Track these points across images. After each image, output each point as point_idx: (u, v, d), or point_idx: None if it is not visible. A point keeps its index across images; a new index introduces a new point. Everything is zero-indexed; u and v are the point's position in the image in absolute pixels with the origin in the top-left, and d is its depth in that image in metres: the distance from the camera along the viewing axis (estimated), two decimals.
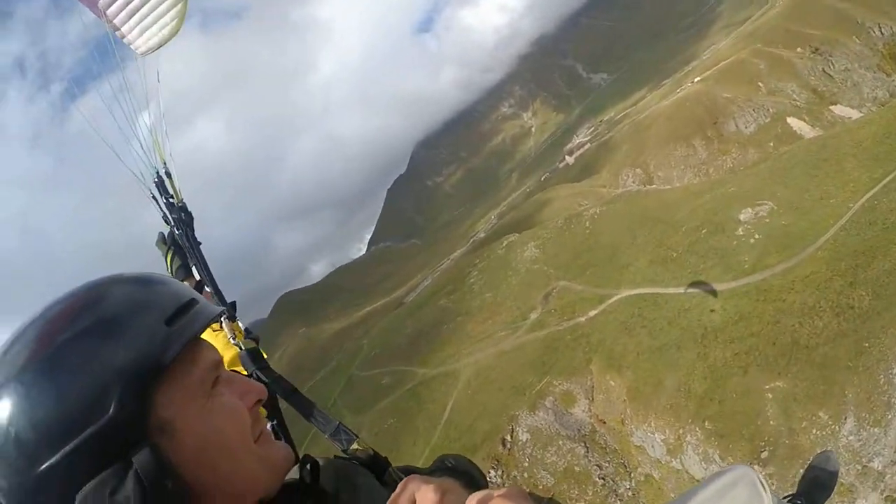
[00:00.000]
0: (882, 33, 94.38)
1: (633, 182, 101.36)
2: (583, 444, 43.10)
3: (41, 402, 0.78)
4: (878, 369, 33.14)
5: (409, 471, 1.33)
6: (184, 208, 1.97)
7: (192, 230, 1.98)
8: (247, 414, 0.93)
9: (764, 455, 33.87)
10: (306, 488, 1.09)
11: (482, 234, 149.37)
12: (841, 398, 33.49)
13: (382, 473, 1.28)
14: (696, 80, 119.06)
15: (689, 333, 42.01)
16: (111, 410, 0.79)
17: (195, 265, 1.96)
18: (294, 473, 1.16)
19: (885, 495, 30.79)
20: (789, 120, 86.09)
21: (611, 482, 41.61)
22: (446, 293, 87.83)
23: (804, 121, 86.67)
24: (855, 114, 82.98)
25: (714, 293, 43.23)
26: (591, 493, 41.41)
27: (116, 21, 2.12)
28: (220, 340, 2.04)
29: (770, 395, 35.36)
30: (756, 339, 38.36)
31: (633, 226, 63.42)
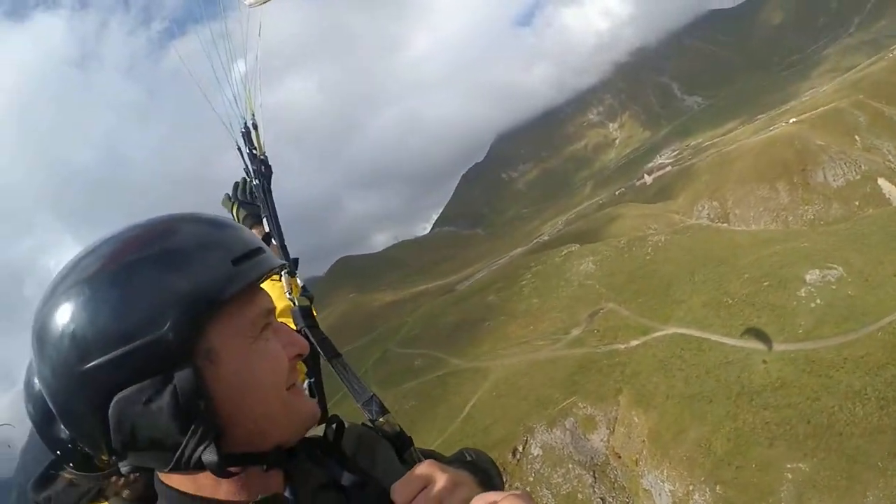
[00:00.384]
0: None
1: (708, 214, 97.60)
2: (592, 474, 41.90)
3: (103, 307, 0.85)
4: None
5: (430, 455, 1.34)
6: (265, 161, 2.00)
7: (269, 183, 1.99)
8: (285, 363, 0.96)
9: None
10: (327, 445, 1.12)
11: (545, 238, 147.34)
12: (861, 498, 30.99)
13: (403, 451, 1.28)
14: (791, 120, 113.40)
15: (724, 388, 40.06)
16: (165, 328, 0.84)
17: (266, 217, 1.97)
18: (318, 431, 1.19)
19: None
20: (880, 181, 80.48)
21: None
22: (496, 289, 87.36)
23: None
24: None
25: (768, 348, 41.03)
26: None
27: None
28: (276, 291, 2.04)
29: (790, 476, 33.16)
30: (791, 411, 36.16)
31: (696, 262, 61.08)
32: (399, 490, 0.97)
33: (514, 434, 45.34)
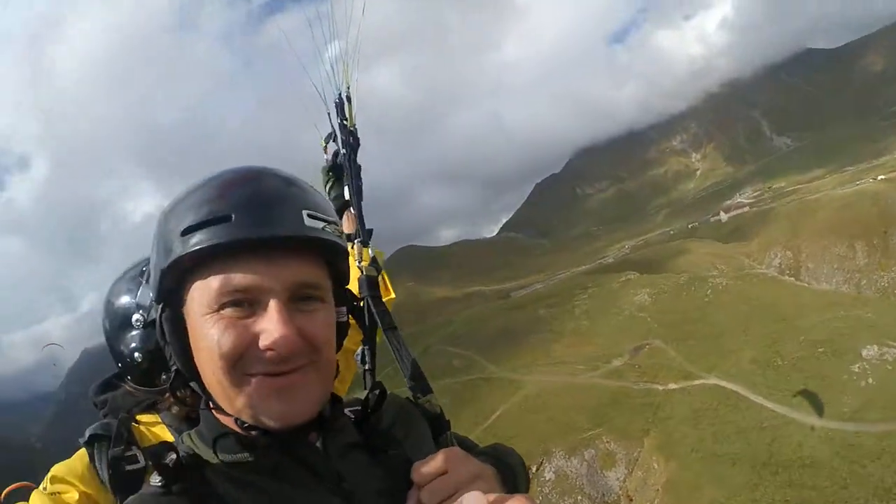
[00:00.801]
0: None
1: (780, 264, 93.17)
2: None
3: (156, 232, 0.97)
4: None
5: (464, 442, 1.34)
6: (354, 133, 2.03)
7: (356, 154, 2.03)
8: (228, 349, 0.90)
9: None
10: (366, 409, 1.13)
11: (609, 260, 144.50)
12: None
13: (439, 433, 1.28)
14: (880, 177, 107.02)
15: (752, 453, 37.93)
16: (150, 273, 0.97)
17: (348, 185, 2.01)
18: (362, 395, 1.24)
19: None
20: None
21: None
22: (548, 304, 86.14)
23: None
24: None
25: (807, 421, 38.69)
26: None
27: None
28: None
29: None
30: (814, 494, 33.81)
31: (754, 314, 58.33)
32: (419, 469, 0.97)
33: (531, 453, 44.47)
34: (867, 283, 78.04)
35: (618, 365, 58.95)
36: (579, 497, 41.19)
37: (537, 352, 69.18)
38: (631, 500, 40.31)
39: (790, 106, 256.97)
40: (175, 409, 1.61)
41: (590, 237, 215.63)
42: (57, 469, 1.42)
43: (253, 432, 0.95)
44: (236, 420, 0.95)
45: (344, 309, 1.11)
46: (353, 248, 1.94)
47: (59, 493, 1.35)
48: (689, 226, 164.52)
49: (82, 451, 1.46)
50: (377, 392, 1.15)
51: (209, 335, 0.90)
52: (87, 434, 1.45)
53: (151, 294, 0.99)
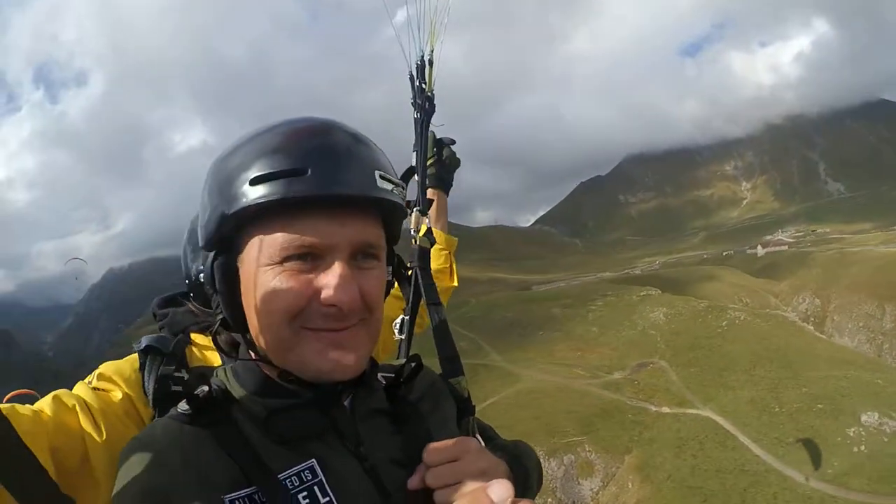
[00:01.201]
0: None
1: (807, 310, 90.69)
2: None
3: (204, 188, 0.98)
4: None
5: (485, 432, 1.32)
6: (431, 99, 1.96)
7: (430, 120, 1.97)
8: (290, 301, 0.90)
9: None
10: (398, 378, 1.12)
11: (637, 271, 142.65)
12: None
13: (462, 417, 1.27)
14: None
15: (724, 495, 37.03)
16: (205, 219, 0.95)
17: (416, 152, 1.95)
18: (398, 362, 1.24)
19: None
20: None
21: None
22: (564, 304, 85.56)
23: None
24: None
25: (789, 475, 37.77)
26: None
27: None
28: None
29: None
30: None
31: (763, 354, 56.93)
32: (431, 451, 0.97)
33: None
34: (889, 348, 75.45)
35: (617, 378, 58.46)
36: (550, 500, 41.10)
37: (542, 349, 69.00)
38: None
39: (850, 153, 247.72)
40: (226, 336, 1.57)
41: (623, 245, 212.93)
42: (106, 367, 1.45)
43: (290, 385, 0.97)
44: (280, 372, 0.97)
45: (390, 268, 1.12)
46: (411, 215, 1.86)
47: (104, 389, 1.37)
48: (724, 253, 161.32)
49: (133, 357, 1.47)
50: (413, 364, 1.15)
51: (270, 287, 0.90)
52: (142, 342, 1.46)
53: (204, 239, 0.98)
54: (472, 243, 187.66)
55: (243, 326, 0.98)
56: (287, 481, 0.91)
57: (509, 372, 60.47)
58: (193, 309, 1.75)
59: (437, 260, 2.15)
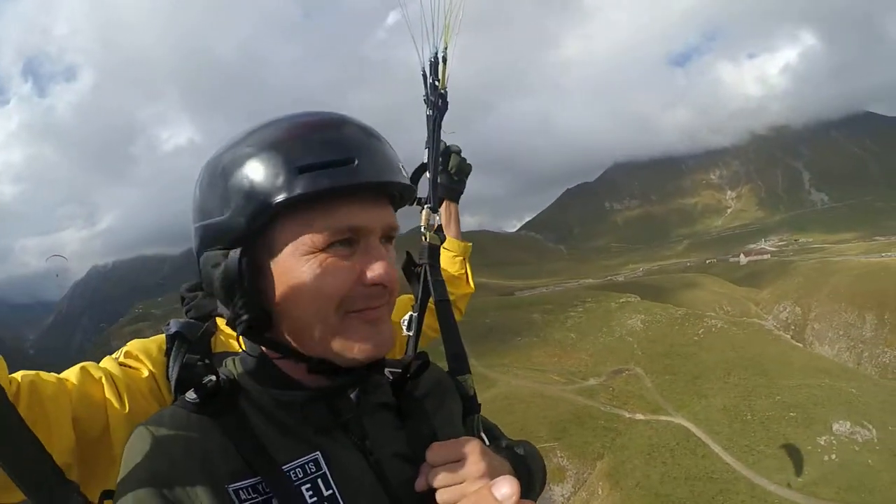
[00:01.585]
0: None
1: (787, 318, 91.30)
2: None
3: (204, 187, 0.98)
4: None
5: (490, 431, 1.33)
6: (444, 97, 1.93)
7: (442, 118, 1.92)
8: (339, 285, 0.92)
9: None
10: (405, 375, 1.13)
11: (620, 278, 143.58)
12: None
13: (467, 414, 1.28)
14: None
15: (694, 503, 37.03)
16: (230, 213, 0.91)
17: (428, 148, 1.92)
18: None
19: None
20: None
21: None
22: (544, 310, 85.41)
23: None
24: None
25: (758, 483, 37.65)
26: None
27: None
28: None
29: None
30: None
31: (738, 362, 57.01)
32: (434, 451, 0.98)
33: None
34: (869, 356, 76.17)
35: (593, 384, 58.27)
36: None
37: (519, 354, 68.70)
38: None
39: (835, 164, 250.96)
40: None
41: (607, 252, 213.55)
42: (133, 345, 1.46)
43: (320, 374, 0.98)
44: (311, 361, 0.97)
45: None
46: (422, 212, 1.80)
47: (131, 366, 1.39)
48: (707, 261, 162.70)
49: (161, 339, 1.48)
50: (420, 360, 1.16)
51: (317, 274, 0.91)
52: (171, 327, 1.45)
53: (227, 236, 0.95)
54: None
55: (267, 324, 0.97)
56: (291, 473, 0.92)
57: (485, 377, 60.07)
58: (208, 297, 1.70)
59: (452, 266, 2.24)
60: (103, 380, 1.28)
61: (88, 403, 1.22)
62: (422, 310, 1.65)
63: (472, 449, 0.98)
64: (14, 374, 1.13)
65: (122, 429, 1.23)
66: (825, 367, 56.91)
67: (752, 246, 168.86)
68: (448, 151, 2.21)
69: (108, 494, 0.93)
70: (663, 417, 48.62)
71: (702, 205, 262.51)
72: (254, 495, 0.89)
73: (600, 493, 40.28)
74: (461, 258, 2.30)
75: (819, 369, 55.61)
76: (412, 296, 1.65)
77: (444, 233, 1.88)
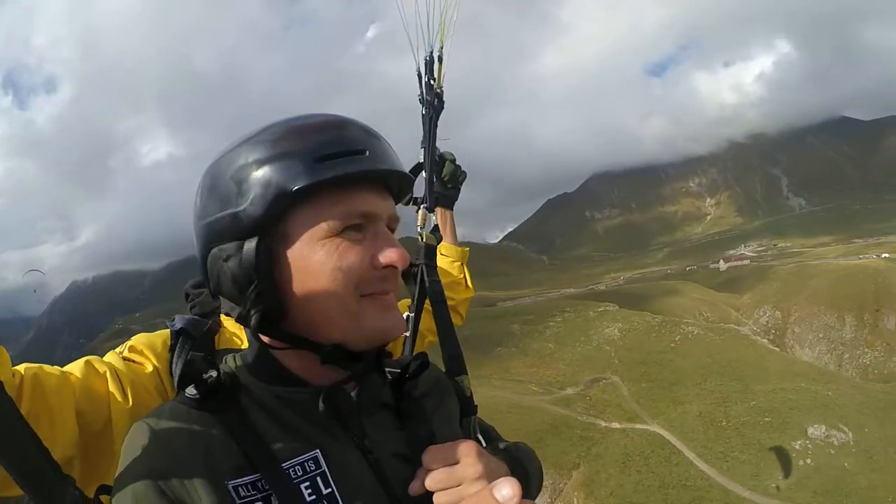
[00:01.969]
0: None
1: (767, 322, 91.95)
2: None
3: (214, 179, 0.98)
4: None
5: (487, 432, 1.34)
6: (439, 96, 1.96)
7: (438, 117, 1.97)
8: (356, 268, 0.94)
9: None
10: (404, 375, 1.12)
11: (601, 287, 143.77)
12: None
13: (465, 416, 1.29)
14: (884, 255, 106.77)
15: None
16: (245, 205, 0.92)
17: (424, 148, 1.94)
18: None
19: None
20: None
21: None
22: (523, 321, 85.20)
23: None
24: None
25: (732, 489, 37.45)
26: None
27: None
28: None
29: None
30: None
31: (715, 368, 57.19)
32: (431, 454, 0.98)
33: None
34: (850, 358, 76.98)
35: (570, 393, 58.03)
36: None
37: (497, 365, 68.33)
38: None
39: (811, 169, 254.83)
40: None
41: (589, 261, 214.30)
42: (138, 340, 1.46)
43: (310, 373, 0.99)
44: (324, 350, 0.97)
45: None
46: (418, 212, 1.85)
47: (135, 361, 1.40)
48: (687, 268, 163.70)
49: (165, 334, 1.48)
50: (419, 361, 1.15)
51: (332, 258, 0.93)
52: (177, 323, 1.46)
53: (243, 225, 0.95)
54: None
55: (278, 317, 0.98)
56: (290, 470, 0.92)
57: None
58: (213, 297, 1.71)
59: (451, 271, 2.24)
60: (107, 374, 1.28)
61: (92, 397, 1.21)
62: (418, 310, 1.66)
63: (469, 451, 0.97)
64: (17, 367, 1.11)
65: (124, 423, 1.21)
66: (801, 371, 57.25)
67: (731, 252, 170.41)
68: (442, 159, 2.17)
69: (104, 489, 0.91)
70: (639, 426, 48.49)
71: (681, 212, 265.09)
72: (253, 492, 0.89)
73: (575, 503, 39.92)
74: (459, 263, 2.29)
75: (795, 373, 55.92)
76: (408, 300, 1.66)
77: (441, 235, 1.89)
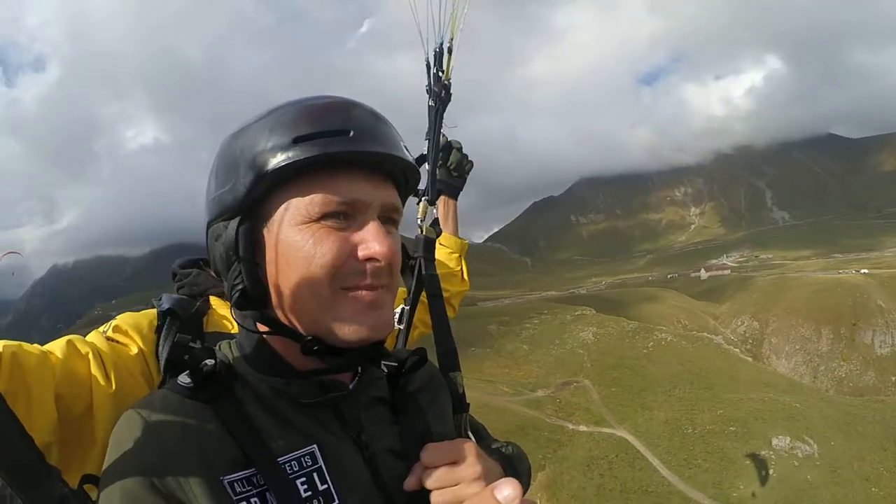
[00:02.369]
0: None
1: (745, 331, 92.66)
2: None
3: (218, 160, 0.97)
4: None
5: (478, 431, 1.33)
6: (447, 88, 1.89)
7: (444, 110, 1.89)
8: (331, 259, 0.90)
9: None
10: (401, 370, 1.10)
11: (582, 291, 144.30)
12: None
13: (457, 412, 1.27)
14: (863, 270, 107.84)
15: None
16: (234, 184, 0.91)
17: (428, 140, 1.87)
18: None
19: None
20: None
21: None
22: (500, 322, 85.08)
23: None
24: None
25: (693, 497, 37.31)
26: None
27: None
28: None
29: None
30: None
31: (685, 375, 57.27)
32: (430, 452, 0.97)
33: None
34: (825, 370, 77.59)
35: (540, 395, 57.92)
36: None
37: (471, 366, 67.93)
38: None
39: (797, 184, 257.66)
40: None
41: (572, 265, 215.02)
42: (123, 319, 1.38)
43: (315, 355, 0.95)
44: (306, 342, 0.94)
45: None
46: (419, 204, 1.79)
47: (120, 342, 1.32)
48: (669, 276, 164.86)
49: (152, 314, 1.41)
50: (416, 356, 1.13)
51: (310, 244, 0.90)
52: (164, 302, 1.40)
53: (227, 205, 0.94)
54: None
55: (262, 298, 0.95)
56: (287, 465, 0.90)
57: None
58: (214, 276, 1.59)
59: (448, 263, 2.19)
60: (90, 355, 1.21)
61: (73, 380, 1.15)
62: (414, 303, 1.64)
63: (469, 451, 0.96)
64: None
65: (106, 409, 1.17)
66: (771, 382, 57.47)
67: (713, 261, 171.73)
68: (449, 146, 2.11)
69: (88, 479, 0.86)
70: (605, 430, 48.39)
71: (666, 221, 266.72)
72: (248, 488, 0.86)
73: None
74: (457, 255, 2.22)
75: (765, 383, 56.11)
76: (405, 289, 1.64)
77: (441, 228, 1.84)
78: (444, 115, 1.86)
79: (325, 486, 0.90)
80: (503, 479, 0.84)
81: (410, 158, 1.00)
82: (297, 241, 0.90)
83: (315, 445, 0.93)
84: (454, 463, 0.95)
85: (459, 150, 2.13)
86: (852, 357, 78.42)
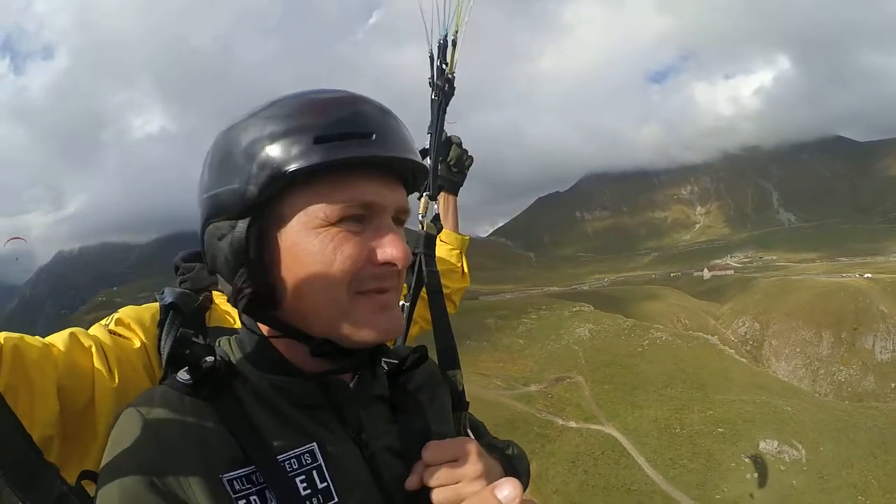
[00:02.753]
0: None
1: (745, 333, 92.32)
2: None
3: (217, 155, 0.93)
4: None
5: (477, 429, 1.32)
6: (451, 81, 1.90)
7: (447, 104, 1.91)
8: (348, 263, 0.89)
9: None
10: (401, 368, 1.10)
11: (585, 287, 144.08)
12: None
13: (456, 410, 1.26)
14: (866, 275, 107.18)
15: None
16: (242, 183, 0.88)
17: (430, 134, 1.91)
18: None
19: None
20: None
21: None
22: (499, 315, 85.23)
23: None
24: None
25: (676, 498, 37.35)
26: None
27: None
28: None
29: None
30: None
31: (678, 375, 57.18)
32: (431, 450, 0.96)
33: None
34: (825, 374, 77.24)
35: (532, 390, 58.02)
36: None
37: (466, 359, 66.82)
38: None
39: (804, 185, 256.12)
40: None
41: (575, 261, 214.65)
42: (125, 312, 1.38)
43: (325, 356, 0.94)
44: (314, 342, 0.93)
45: None
46: (420, 200, 1.82)
47: (123, 336, 1.31)
48: (672, 274, 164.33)
49: (155, 307, 1.38)
50: (417, 353, 1.12)
51: (329, 248, 0.88)
52: (166, 296, 1.33)
53: (235, 204, 0.90)
54: None
55: (272, 300, 0.93)
56: (286, 463, 0.89)
57: None
58: (210, 273, 1.68)
59: (448, 259, 2.19)
60: (92, 349, 1.20)
61: (75, 372, 1.14)
62: (413, 300, 1.66)
63: (470, 450, 0.96)
64: None
65: (108, 403, 1.15)
66: (764, 384, 57.29)
67: (716, 261, 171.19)
68: (449, 142, 2.09)
69: (86, 474, 0.86)
70: (594, 426, 48.46)
71: (671, 219, 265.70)
72: (248, 486, 0.85)
73: None
74: (458, 251, 2.22)
75: (758, 385, 55.95)
76: (406, 285, 1.63)
77: (441, 224, 1.85)
78: (448, 109, 1.89)
79: (325, 484, 0.90)
80: (504, 479, 0.83)
81: (421, 159, 0.98)
82: (314, 244, 0.88)
83: (314, 443, 0.92)
84: (455, 461, 0.94)
85: (459, 145, 2.13)
86: (852, 362, 77.98)
